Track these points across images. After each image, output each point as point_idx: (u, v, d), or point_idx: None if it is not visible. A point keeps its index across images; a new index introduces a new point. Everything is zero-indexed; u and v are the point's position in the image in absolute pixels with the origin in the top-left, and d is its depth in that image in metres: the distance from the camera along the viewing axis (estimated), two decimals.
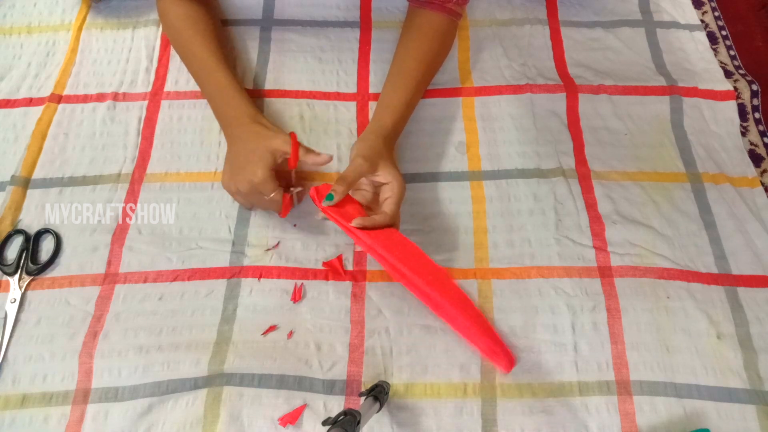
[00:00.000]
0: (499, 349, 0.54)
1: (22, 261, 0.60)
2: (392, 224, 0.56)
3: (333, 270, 0.60)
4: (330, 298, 0.59)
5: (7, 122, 0.70)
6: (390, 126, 0.62)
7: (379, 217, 0.55)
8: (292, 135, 0.57)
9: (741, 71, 0.76)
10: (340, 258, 0.61)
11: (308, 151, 0.58)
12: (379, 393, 0.50)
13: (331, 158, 0.58)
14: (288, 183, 0.62)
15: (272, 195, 0.56)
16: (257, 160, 0.56)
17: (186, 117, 0.70)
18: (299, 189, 0.61)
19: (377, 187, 0.59)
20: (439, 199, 0.65)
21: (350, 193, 0.59)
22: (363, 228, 0.54)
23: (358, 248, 0.61)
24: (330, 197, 0.54)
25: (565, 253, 0.61)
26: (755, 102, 0.73)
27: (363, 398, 0.50)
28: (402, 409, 0.54)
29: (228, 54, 0.70)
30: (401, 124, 0.65)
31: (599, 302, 0.59)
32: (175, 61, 0.73)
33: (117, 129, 0.69)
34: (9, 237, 0.62)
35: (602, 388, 0.55)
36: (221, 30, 0.73)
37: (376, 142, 0.59)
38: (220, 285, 0.60)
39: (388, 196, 0.57)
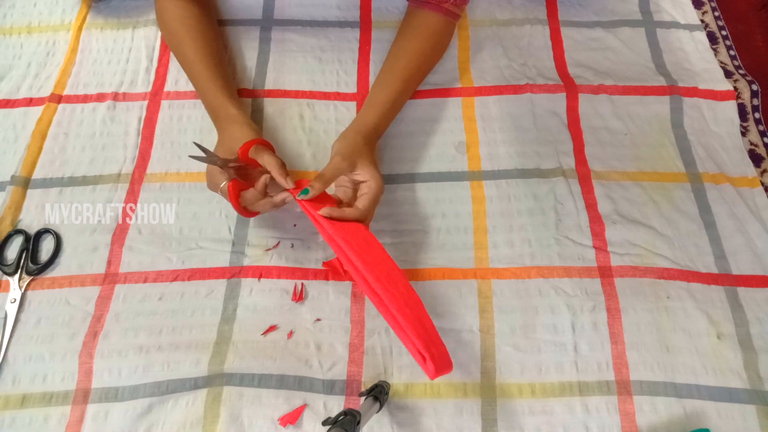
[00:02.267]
0: (429, 355, 0.48)
1: (22, 261, 0.60)
2: (362, 220, 0.56)
3: (333, 270, 0.60)
4: (330, 298, 0.59)
5: (7, 122, 0.70)
6: (372, 124, 0.62)
7: (349, 210, 0.55)
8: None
9: (741, 71, 0.76)
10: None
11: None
12: (379, 393, 0.50)
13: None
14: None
15: (221, 185, 0.56)
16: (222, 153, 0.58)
17: (186, 117, 0.70)
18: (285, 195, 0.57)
19: (356, 185, 0.59)
20: (439, 199, 0.65)
21: (331, 189, 0.59)
22: (330, 218, 0.54)
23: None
24: (306, 191, 0.55)
25: (565, 253, 0.61)
26: (755, 102, 0.73)
27: (363, 398, 0.50)
28: (402, 409, 0.54)
29: (220, 54, 0.70)
30: (384, 123, 0.65)
31: (599, 302, 0.59)
32: (175, 61, 0.73)
33: (117, 129, 0.69)
34: (9, 237, 0.62)
35: (602, 388, 0.55)
36: (217, 30, 0.73)
37: (356, 140, 0.60)
38: (220, 285, 0.60)
39: (364, 192, 0.57)
